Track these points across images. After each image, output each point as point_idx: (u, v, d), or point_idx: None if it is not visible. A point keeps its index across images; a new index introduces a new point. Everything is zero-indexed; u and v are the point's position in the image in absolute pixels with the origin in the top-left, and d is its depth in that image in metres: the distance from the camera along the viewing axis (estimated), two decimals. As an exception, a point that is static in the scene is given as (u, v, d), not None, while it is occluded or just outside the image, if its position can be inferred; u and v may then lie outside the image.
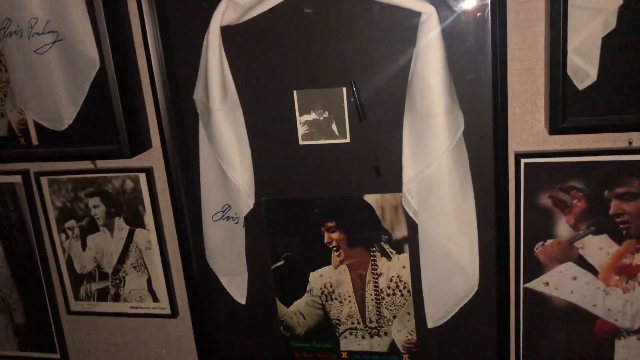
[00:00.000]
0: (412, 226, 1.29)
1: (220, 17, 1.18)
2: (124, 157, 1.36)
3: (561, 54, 1.10)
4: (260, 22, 1.22)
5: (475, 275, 1.27)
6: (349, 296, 1.39)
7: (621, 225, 1.21)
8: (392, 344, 1.41)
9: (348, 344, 1.43)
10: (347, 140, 1.28)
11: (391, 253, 1.34)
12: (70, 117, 1.37)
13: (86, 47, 1.30)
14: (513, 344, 1.34)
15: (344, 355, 1.45)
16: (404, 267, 1.34)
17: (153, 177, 1.43)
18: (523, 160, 1.21)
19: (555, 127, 1.14)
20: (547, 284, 1.27)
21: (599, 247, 1.23)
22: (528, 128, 1.21)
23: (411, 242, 1.31)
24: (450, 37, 1.15)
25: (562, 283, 1.26)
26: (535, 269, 1.27)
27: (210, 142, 1.30)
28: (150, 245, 1.48)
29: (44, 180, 1.49)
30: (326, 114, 1.27)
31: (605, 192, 1.19)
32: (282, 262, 1.41)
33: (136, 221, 1.47)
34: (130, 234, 1.48)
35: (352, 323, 1.41)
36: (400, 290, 1.36)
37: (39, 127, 1.41)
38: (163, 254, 1.48)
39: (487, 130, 1.20)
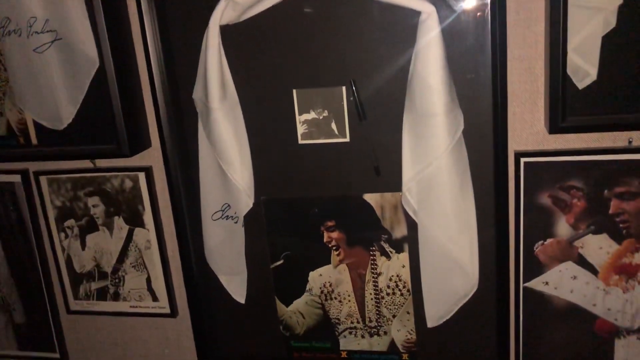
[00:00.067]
0: (412, 225, 1.29)
1: (220, 16, 1.18)
2: (123, 156, 1.36)
3: (561, 53, 1.10)
4: (260, 21, 1.22)
5: (475, 275, 1.27)
6: (349, 295, 1.39)
7: (621, 225, 1.21)
8: (392, 344, 1.40)
9: (347, 343, 1.43)
10: (347, 139, 1.28)
11: (391, 252, 1.34)
12: (69, 116, 1.37)
13: (85, 46, 1.30)
14: (513, 343, 1.33)
15: (344, 354, 1.44)
16: (403, 266, 1.34)
17: (152, 177, 1.43)
18: (523, 160, 1.21)
19: (555, 126, 1.14)
20: (546, 283, 1.27)
21: (598, 247, 1.23)
22: (528, 127, 1.21)
23: (411, 242, 1.31)
24: (450, 36, 1.15)
25: (561, 282, 1.26)
26: (535, 268, 1.27)
27: (209, 141, 1.30)
28: (149, 245, 1.48)
29: (43, 180, 1.49)
30: (326, 113, 1.27)
31: (605, 191, 1.19)
32: (281, 262, 1.41)
33: (135, 220, 1.46)
34: (130, 233, 1.48)
35: (352, 322, 1.41)
36: (399, 290, 1.36)
37: (38, 126, 1.41)
38: (162, 253, 1.48)
39: (487, 129, 1.19)
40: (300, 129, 1.30)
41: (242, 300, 1.45)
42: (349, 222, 1.34)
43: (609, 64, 1.11)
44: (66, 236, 1.53)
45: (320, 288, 1.40)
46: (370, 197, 1.31)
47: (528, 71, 1.18)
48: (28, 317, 1.64)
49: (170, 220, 1.43)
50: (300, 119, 1.29)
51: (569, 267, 1.25)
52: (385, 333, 1.40)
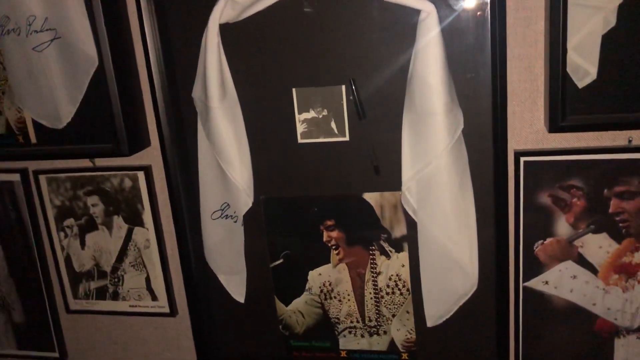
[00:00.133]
0: (412, 225, 1.29)
1: (219, 14, 1.18)
2: (123, 156, 1.36)
3: (561, 52, 1.10)
4: (259, 20, 1.22)
5: (475, 274, 1.27)
6: (348, 295, 1.39)
7: (621, 224, 1.20)
8: (392, 343, 1.40)
9: (347, 342, 1.43)
10: (347, 138, 1.28)
11: (390, 252, 1.33)
12: (68, 115, 1.37)
13: (84, 45, 1.29)
14: (512, 342, 1.33)
15: (343, 354, 1.44)
16: (403, 265, 1.34)
17: (152, 176, 1.43)
18: (522, 159, 1.21)
19: (555, 125, 1.14)
20: (546, 282, 1.27)
21: (598, 246, 1.22)
22: (528, 126, 1.21)
23: (410, 241, 1.31)
24: (450, 35, 1.14)
25: (561, 282, 1.26)
26: (534, 267, 1.27)
27: (209, 141, 1.30)
28: (148, 244, 1.48)
29: (42, 179, 1.49)
30: (325, 112, 1.27)
31: (605, 190, 1.19)
32: (281, 261, 1.41)
33: (135, 220, 1.46)
34: (129, 233, 1.48)
35: (352, 322, 1.41)
36: (399, 289, 1.36)
37: (37, 126, 1.41)
38: (162, 252, 1.48)
39: (487, 128, 1.19)
40: (300, 128, 1.30)
41: (241, 300, 1.45)
42: (348, 222, 1.34)
43: (608, 63, 1.11)
44: (65, 235, 1.53)
45: (320, 287, 1.40)
46: (369, 197, 1.31)
47: (528, 70, 1.18)
48: (27, 317, 1.64)
49: (170, 220, 1.43)
50: (299, 118, 1.29)
51: (569, 267, 1.25)
52: (385, 332, 1.40)
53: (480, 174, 1.22)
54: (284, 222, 1.38)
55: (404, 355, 1.40)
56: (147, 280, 1.51)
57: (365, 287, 1.38)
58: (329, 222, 1.35)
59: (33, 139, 1.43)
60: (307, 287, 1.41)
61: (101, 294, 1.56)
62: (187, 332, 1.54)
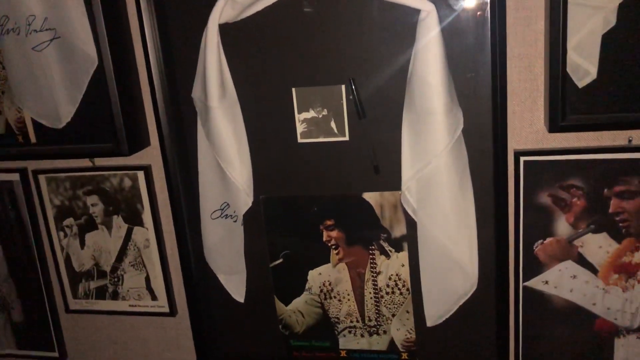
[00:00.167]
0: (411, 224, 1.29)
1: (219, 14, 1.17)
2: (122, 155, 1.36)
3: (561, 52, 1.10)
4: (259, 20, 1.22)
5: (475, 274, 1.27)
6: (348, 294, 1.39)
7: (621, 224, 1.20)
8: (391, 343, 1.40)
9: (347, 342, 1.43)
10: (346, 138, 1.28)
11: (390, 251, 1.33)
12: (68, 115, 1.37)
13: (84, 45, 1.29)
14: (512, 342, 1.33)
15: (343, 353, 1.44)
16: (403, 265, 1.34)
17: (151, 175, 1.43)
18: (522, 159, 1.21)
19: (555, 125, 1.14)
20: (546, 282, 1.27)
21: (598, 246, 1.22)
22: (527, 126, 1.21)
23: (410, 241, 1.31)
24: (450, 34, 1.14)
25: (561, 281, 1.26)
26: (534, 267, 1.27)
27: (208, 140, 1.30)
28: (148, 244, 1.48)
29: (42, 179, 1.49)
30: (325, 112, 1.27)
31: (605, 190, 1.19)
32: (280, 261, 1.40)
33: (134, 219, 1.46)
34: (129, 232, 1.48)
35: (351, 321, 1.41)
36: (399, 289, 1.36)
37: (37, 125, 1.41)
38: (161, 252, 1.48)
39: (487, 128, 1.19)
40: (300, 128, 1.30)
41: (241, 299, 1.45)
42: (348, 221, 1.34)
43: (608, 63, 1.11)
44: (65, 235, 1.53)
45: (320, 287, 1.40)
46: (369, 196, 1.31)
47: (528, 70, 1.18)
48: (27, 316, 1.64)
49: (169, 219, 1.43)
50: (299, 117, 1.29)
51: (569, 266, 1.25)
52: (385, 332, 1.40)
53: (480, 173, 1.22)
54: (283, 221, 1.38)
55: (404, 355, 1.40)
56: (147, 279, 1.51)
57: (365, 287, 1.37)
58: (329, 222, 1.35)
59: (33, 139, 1.42)
60: (306, 287, 1.41)
61: (101, 293, 1.56)
62: (186, 332, 1.54)
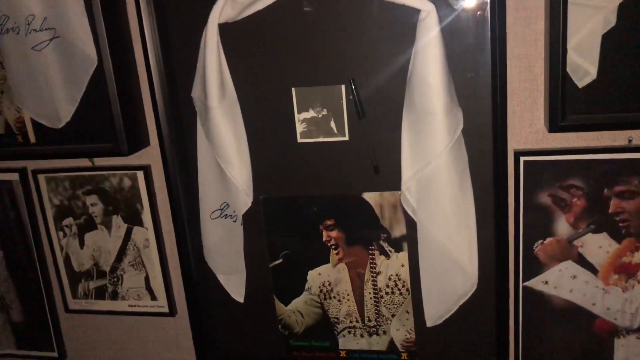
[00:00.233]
0: (411, 224, 1.28)
1: (219, 14, 1.17)
2: (122, 155, 1.36)
3: (561, 52, 1.09)
4: (259, 20, 1.22)
5: (474, 274, 1.27)
6: (348, 295, 1.39)
7: (621, 224, 1.20)
8: (391, 343, 1.40)
9: (347, 342, 1.43)
10: (346, 138, 1.28)
11: (390, 251, 1.33)
12: (67, 115, 1.37)
13: (84, 45, 1.29)
14: (512, 342, 1.33)
15: (343, 354, 1.44)
16: (402, 265, 1.33)
17: (151, 175, 1.43)
18: (522, 158, 1.20)
19: (555, 125, 1.14)
20: (546, 282, 1.27)
21: (598, 246, 1.22)
22: (527, 126, 1.21)
23: (410, 241, 1.31)
24: (450, 34, 1.14)
25: (561, 282, 1.26)
26: (534, 267, 1.27)
27: (208, 140, 1.30)
28: (148, 244, 1.47)
29: (41, 178, 1.49)
30: (325, 112, 1.27)
31: (605, 190, 1.19)
32: (280, 261, 1.40)
33: (134, 219, 1.46)
34: (128, 232, 1.48)
35: (351, 322, 1.41)
36: (399, 289, 1.36)
37: (36, 125, 1.40)
38: (161, 252, 1.48)
39: (487, 128, 1.19)
40: (299, 128, 1.29)
41: (241, 299, 1.45)
42: (348, 221, 1.34)
43: (609, 63, 1.10)
44: (64, 235, 1.53)
45: (319, 287, 1.40)
46: (369, 196, 1.31)
47: (528, 70, 1.18)
48: (26, 316, 1.64)
49: (169, 219, 1.43)
50: (299, 117, 1.29)
51: (569, 267, 1.25)
52: (385, 332, 1.40)
53: (480, 173, 1.22)
54: (283, 221, 1.38)
55: (404, 355, 1.40)
56: (147, 279, 1.51)
57: (365, 287, 1.37)
58: (329, 222, 1.34)
59: (32, 139, 1.42)
60: (306, 287, 1.41)
61: (100, 293, 1.56)
62: (186, 332, 1.54)
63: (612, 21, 1.09)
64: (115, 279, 1.53)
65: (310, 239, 1.36)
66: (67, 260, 1.55)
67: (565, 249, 1.24)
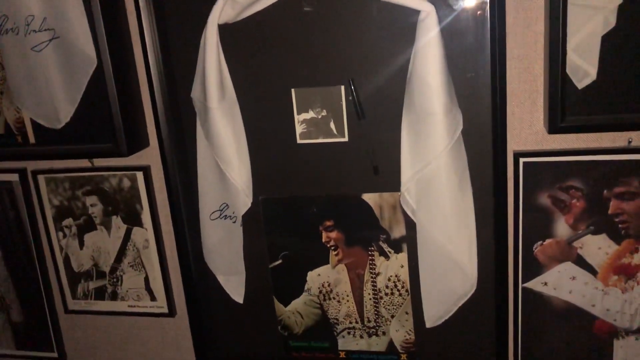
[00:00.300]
0: (411, 225, 1.28)
1: (218, 14, 1.17)
2: (121, 156, 1.36)
3: (560, 53, 1.09)
4: (258, 20, 1.21)
5: (474, 275, 1.27)
6: (347, 295, 1.39)
7: (620, 225, 1.20)
8: (390, 344, 1.40)
9: (346, 343, 1.43)
10: (346, 139, 1.28)
11: (389, 252, 1.33)
12: (67, 115, 1.36)
13: (83, 45, 1.29)
14: (511, 343, 1.33)
15: (342, 354, 1.44)
16: (402, 266, 1.33)
17: (150, 176, 1.43)
18: (522, 160, 1.20)
19: (555, 126, 1.14)
20: (545, 283, 1.27)
21: (597, 247, 1.22)
22: (527, 127, 1.21)
23: (409, 242, 1.31)
24: (449, 35, 1.14)
25: (560, 283, 1.26)
26: (533, 268, 1.27)
27: (207, 141, 1.30)
28: (147, 244, 1.47)
29: (41, 179, 1.49)
30: (324, 113, 1.27)
31: (605, 191, 1.19)
32: (279, 261, 1.40)
33: (133, 220, 1.46)
34: (128, 233, 1.48)
35: (350, 322, 1.41)
36: (398, 290, 1.36)
37: (36, 125, 1.40)
38: (160, 252, 1.48)
39: (486, 129, 1.19)
40: (299, 129, 1.29)
41: (240, 300, 1.45)
42: (347, 222, 1.34)
43: (608, 64, 1.10)
44: (64, 235, 1.52)
45: (319, 288, 1.40)
46: (368, 197, 1.31)
47: (527, 71, 1.18)
48: (26, 316, 1.64)
49: (169, 220, 1.43)
50: (298, 118, 1.29)
51: (568, 268, 1.25)
52: (384, 333, 1.40)
53: (479, 174, 1.22)
54: (283, 222, 1.38)
55: (403, 356, 1.40)
56: (146, 280, 1.51)
57: (364, 288, 1.37)
58: (328, 223, 1.34)
59: (32, 139, 1.42)
60: (306, 288, 1.41)
61: (100, 294, 1.56)
62: (186, 333, 1.54)
63: (612, 22, 1.08)
64: (115, 280, 1.53)
65: (309, 239, 1.36)
66: (66, 260, 1.55)
67: (565, 250, 1.24)
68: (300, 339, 1.46)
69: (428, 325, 1.34)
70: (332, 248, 1.36)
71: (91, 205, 1.48)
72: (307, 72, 1.25)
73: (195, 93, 1.28)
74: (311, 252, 1.37)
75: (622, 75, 1.11)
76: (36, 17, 1.27)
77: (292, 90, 1.27)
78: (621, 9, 1.08)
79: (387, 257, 1.34)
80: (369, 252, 1.34)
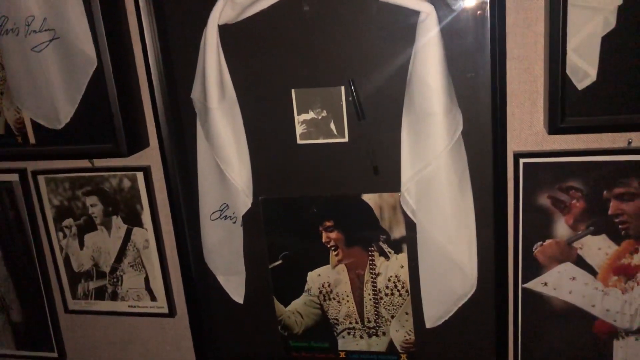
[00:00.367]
0: (411, 226, 1.28)
1: (218, 15, 1.17)
2: (122, 156, 1.36)
3: (560, 54, 1.09)
4: (258, 21, 1.21)
5: (474, 275, 1.27)
6: (347, 296, 1.39)
7: (620, 226, 1.20)
8: (390, 344, 1.40)
9: (346, 343, 1.43)
10: (346, 139, 1.28)
11: (389, 253, 1.33)
12: (67, 116, 1.37)
13: (83, 45, 1.29)
14: (511, 344, 1.33)
15: (342, 355, 1.44)
16: (402, 266, 1.33)
17: (150, 176, 1.43)
18: (522, 160, 1.20)
19: (554, 126, 1.14)
20: (545, 284, 1.27)
21: (597, 248, 1.22)
22: (527, 128, 1.21)
23: (409, 242, 1.31)
24: (449, 36, 1.14)
25: (560, 283, 1.26)
26: (533, 269, 1.27)
27: (208, 141, 1.30)
28: (147, 244, 1.47)
29: (41, 179, 1.49)
30: (324, 113, 1.27)
31: (604, 192, 1.19)
32: (280, 262, 1.40)
33: (134, 220, 1.46)
34: (128, 233, 1.48)
35: (350, 323, 1.41)
36: (398, 290, 1.36)
37: (36, 126, 1.40)
38: (160, 252, 1.48)
39: (486, 129, 1.19)
40: (299, 129, 1.29)
41: (240, 300, 1.45)
42: (347, 223, 1.34)
43: (608, 65, 1.10)
44: (64, 235, 1.53)
45: (319, 288, 1.40)
46: (368, 198, 1.31)
47: (527, 71, 1.18)
48: (26, 316, 1.64)
49: (169, 220, 1.43)
50: (298, 119, 1.29)
51: (568, 268, 1.25)
52: (384, 333, 1.40)
53: (479, 175, 1.22)
54: (283, 223, 1.38)
55: (403, 357, 1.40)
56: (146, 280, 1.51)
57: (364, 288, 1.37)
58: (328, 223, 1.35)
59: (32, 140, 1.42)
60: (306, 288, 1.41)
61: (100, 294, 1.56)
62: (186, 333, 1.54)
63: (612, 23, 1.08)
64: (115, 280, 1.53)
65: (309, 240, 1.36)
66: (66, 260, 1.55)
67: (565, 250, 1.24)
68: (300, 339, 1.46)
69: (428, 325, 1.34)
70: (332, 248, 1.36)
71: (91, 206, 1.48)
72: (307, 73, 1.25)
73: (196, 93, 1.28)
74: (311, 253, 1.37)
75: (622, 76, 1.11)
76: (36, 18, 1.27)
77: (292, 90, 1.27)
78: (621, 10, 1.08)
79: (387, 257, 1.34)
80: (369, 253, 1.34)
